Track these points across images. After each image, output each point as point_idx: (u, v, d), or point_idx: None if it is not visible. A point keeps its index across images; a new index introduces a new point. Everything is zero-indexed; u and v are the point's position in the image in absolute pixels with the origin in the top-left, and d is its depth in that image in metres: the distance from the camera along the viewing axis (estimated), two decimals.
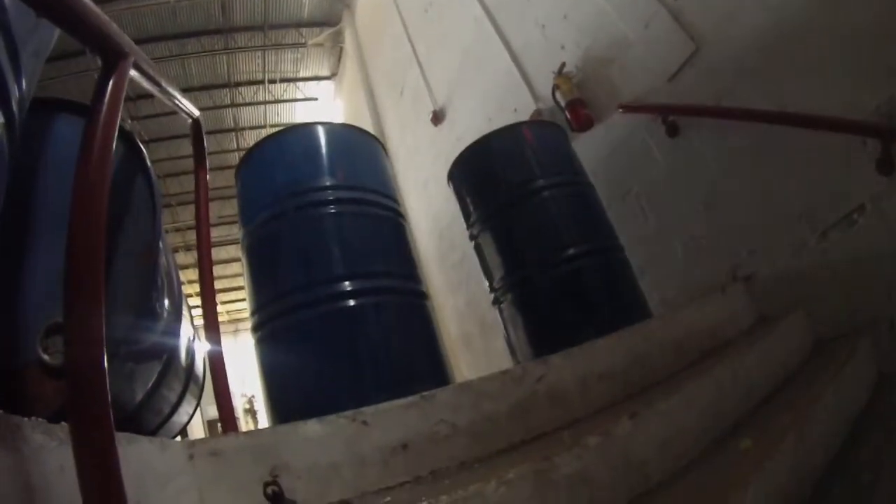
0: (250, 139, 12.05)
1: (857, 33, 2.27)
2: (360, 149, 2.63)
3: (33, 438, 0.87)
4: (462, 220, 3.36)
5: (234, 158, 11.88)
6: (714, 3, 2.83)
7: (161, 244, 1.84)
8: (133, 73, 1.45)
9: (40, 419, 0.91)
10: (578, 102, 3.69)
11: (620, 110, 3.41)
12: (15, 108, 1.20)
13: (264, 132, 11.78)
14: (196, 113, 2.37)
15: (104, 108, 1.19)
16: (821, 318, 2.47)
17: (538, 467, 1.22)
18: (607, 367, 1.92)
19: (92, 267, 1.00)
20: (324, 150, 2.48)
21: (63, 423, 0.91)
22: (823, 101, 2.36)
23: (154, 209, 1.80)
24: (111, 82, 1.27)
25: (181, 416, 2.52)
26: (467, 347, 4.79)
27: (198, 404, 2.74)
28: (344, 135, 2.66)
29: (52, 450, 0.88)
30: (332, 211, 2.32)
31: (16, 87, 1.20)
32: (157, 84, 2.01)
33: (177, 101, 2.22)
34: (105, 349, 0.92)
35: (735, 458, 1.43)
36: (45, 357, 1.27)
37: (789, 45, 2.51)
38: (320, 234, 2.30)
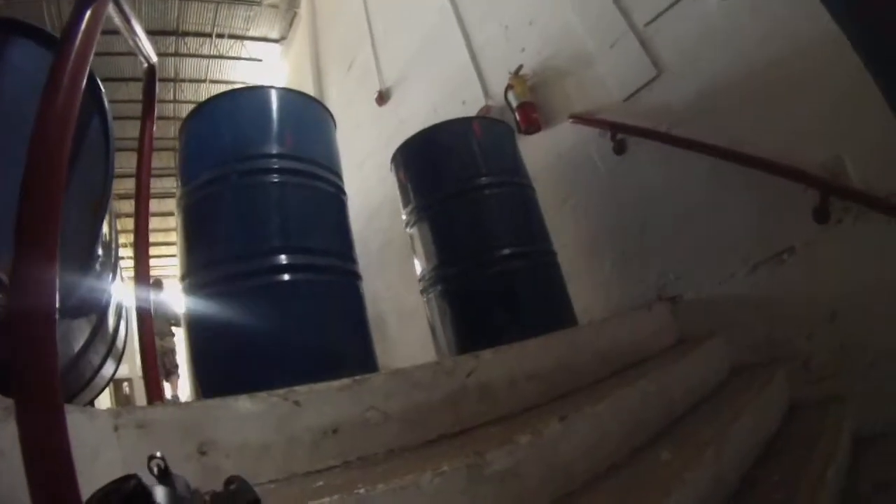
0: (189, 92, 11.57)
1: (816, 90, 2.41)
2: (312, 120, 2.56)
3: None
4: (392, 204, 3.33)
5: (170, 109, 11.38)
6: (684, 38, 2.92)
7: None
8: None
9: None
10: (529, 105, 3.73)
11: (570, 120, 3.47)
12: None
13: (203, 86, 11.33)
14: (154, 58, 2.26)
15: (77, 39, 1.08)
16: (740, 345, 2.62)
17: (472, 461, 1.23)
18: (536, 368, 1.96)
19: (48, 218, 0.90)
20: (276, 116, 2.40)
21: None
22: (772, 145, 2.49)
23: (108, 155, 1.69)
24: (89, 11, 1.14)
25: (101, 379, 2.39)
26: (381, 333, 4.75)
27: (117, 366, 2.59)
28: (298, 103, 2.57)
29: None
30: (277, 180, 2.25)
31: None
32: (128, 21, 1.91)
33: (139, 42, 2.10)
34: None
35: (656, 467, 1.49)
36: None
37: (748, 89, 2.63)
38: (262, 204, 2.22)
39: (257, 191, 2.23)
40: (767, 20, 2.57)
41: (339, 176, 2.53)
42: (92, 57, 1.09)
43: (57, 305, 0.83)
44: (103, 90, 1.76)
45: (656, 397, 1.89)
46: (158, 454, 0.55)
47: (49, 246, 0.87)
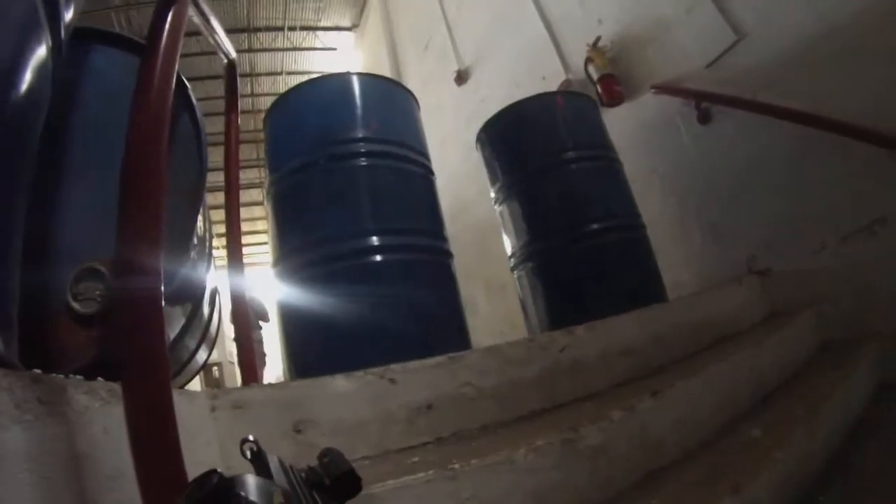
0: (265, 85, 11.90)
1: None
2: (395, 102, 2.59)
3: (77, 400, 0.81)
4: (476, 182, 3.34)
5: (248, 103, 11.76)
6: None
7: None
8: None
9: (79, 377, 0.86)
10: (611, 78, 3.68)
11: (653, 91, 3.40)
12: (63, 33, 1.11)
13: (280, 79, 11.62)
14: (233, 54, 2.34)
15: (164, 39, 1.11)
16: (831, 319, 2.52)
17: (566, 437, 1.26)
18: (628, 343, 1.97)
19: (153, 209, 0.94)
20: (360, 100, 2.42)
21: (101, 380, 0.87)
22: (860, 108, 2.37)
23: (200, 147, 1.74)
24: (171, 12, 1.16)
25: (195, 364, 2.50)
26: (469, 310, 4.85)
27: (210, 352, 2.71)
28: (382, 87, 2.61)
29: (95, 411, 0.83)
30: (366, 163, 2.29)
31: (65, 10, 1.11)
32: (207, 20, 1.99)
33: (219, 40, 2.18)
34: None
35: (746, 444, 1.48)
36: (76, 305, 1.16)
37: (832, 49, 2.50)
38: (353, 186, 2.26)
39: (347, 174, 2.27)
40: None
41: (427, 156, 2.55)
42: (178, 54, 1.13)
43: (162, 291, 0.88)
44: (189, 87, 1.84)
45: (748, 373, 1.87)
46: (251, 437, 0.59)
47: (154, 235, 0.92)
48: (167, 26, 1.13)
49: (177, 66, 1.12)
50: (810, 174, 2.63)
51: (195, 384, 4.86)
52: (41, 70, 1.02)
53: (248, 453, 0.59)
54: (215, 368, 11.65)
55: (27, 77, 0.97)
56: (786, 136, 2.69)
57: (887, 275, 2.35)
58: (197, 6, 1.82)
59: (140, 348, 0.82)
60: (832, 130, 2.43)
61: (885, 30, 2.31)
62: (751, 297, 2.73)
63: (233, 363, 10.08)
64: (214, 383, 11.11)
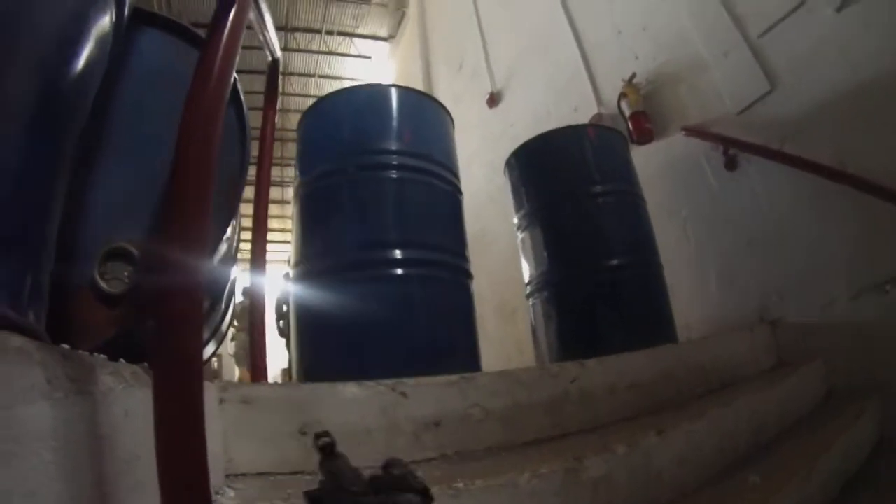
0: (297, 86, 12.02)
1: None
2: (431, 117, 2.61)
3: (103, 381, 0.79)
4: (498, 205, 3.38)
5: (278, 102, 11.85)
6: (797, 49, 2.85)
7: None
8: None
9: (103, 356, 0.85)
10: (643, 115, 3.73)
11: (683, 133, 3.43)
12: (126, 9, 1.12)
13: (313, 81, 11.73)
14: (278, 53, 2.38)
15: (226, 34, 1.08)
16: (838, 372, 2.55)
17: (569, 466, 1.28)
18: (637, 380, 1.99)
19: (202, 204, 0.91)
20: (395, 112, 2.45)
21: (123, 361, 0.88)
22: (881, 164, 2.40)
23: (244, 141, 1.75)
24: (235, 7, 1.11)
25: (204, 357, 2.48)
26: (481, 332, 4.87)
27: (219, 347, 2.69)
28: (417, 101, 2.65)
29: (119, 393, 0.82)
30: (395, 175, 2.31)
31: None
32: (262, 16, 2.02)
33: (269, 38, 2.20)
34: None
35: (744, 489, 1.50)
36: (102, 283, 1.13)
37: (861, 104, 2.54)
38: (380, 197, 2.29)
39: (375, 184, 2.30)
40: (879, 34, 2.49)
41: (456, 174, 2.58)
42: (238, 51, 1.11)
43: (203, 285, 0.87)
44: (237, 80, 1.85)
45: (751, 420, 1.89)
46: (326, 432, 0.59)
47: (202, 229, 0.89)
48: (230, 20, 1.10)
49: (236, 59, 1.10)
50: (828, 228, 2.66)
51: None
52: (102, 41, 1.04)
53: (321, 447, 0.60)
54: (214, 360, 11.69)
55: (90, 45, 0.99)
56: (808, 189, 2.72)
57: (891, 332, 2.38)
58: (256, 2, 1.86)
59: (180, 341, 0.80)
60: (855, 187, 2.46)
61: None
62: (760, 345, 2.75)
63: (231, 356, 10.13)
64: (212, 375, 11.15)
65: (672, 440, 1.55)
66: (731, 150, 3.13)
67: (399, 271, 2.19)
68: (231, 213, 1.75)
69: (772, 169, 2.91)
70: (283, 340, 6.55)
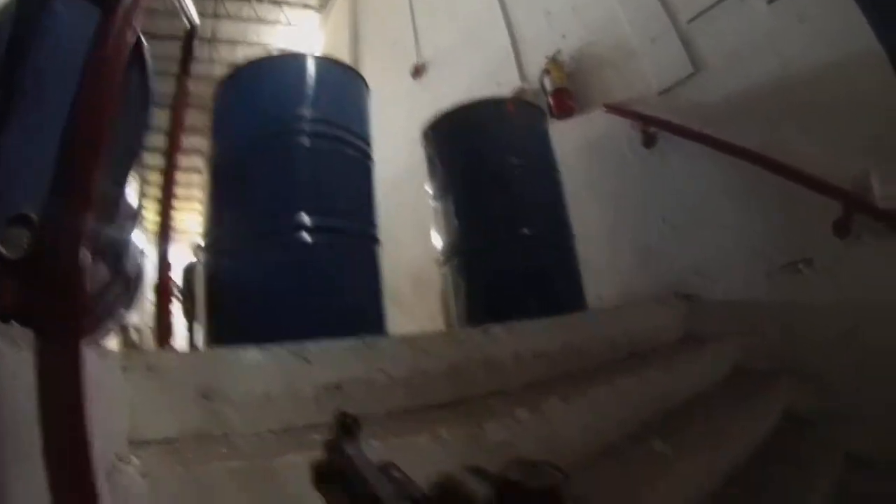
0: (224, 52, 11.59)
1: (853, 105, 2.37)
2: (346, 87, 2.58)
3: None
4: (417, 177, 3.35)
5: (203, 69, 11.45)
6: (726, 36, 2.89)
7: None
8: None
9: None
10: (565, 91, 3.72)
11: (604, 109, 3.45)
12: None
13: (240, 48, 11.34)
14: (196, 21, 2.35)
15: None
16: (750, 349, 2.62)
17: (471, 431, 1.27)
18: (543, 347, 1.97)
19: (89, 165, 0.90)
20: (310, 81, 2.42)
21: (14, 324, 0.85)
22: (802, 152, 2.46)
23: (147, 105, 1.69)
24: None
25: (112, 323, 2.42)
26: (395, 302, 4.82)
27: (130, 312, 2.63)
28: (333, 70, 2.61)
29: (7, 355, 0.81)
30: (305, 143, 2.28)
31: None
32: None
33: (185, 3, 2.16)
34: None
35: (650, 456, 1.50)
36: (1, 248, 1.15)
37: (785, 95, 2.60)
38: (289, 165, 2.26)
39: (286, 152, 2.27)
40: (812, 30, 2.54)
41: (368, 143, 2.54)
42: (141, 14, 1.08)
43: (88, 245, 0.85)
44: (146, 45, 1.77)
45: (657, 389, 1.91)
46: (349, 413, 0.55)
47: (88, 189, 0.88)
48: None
49: (138, 28, 1.09)
50: (744, 209, 2.73)
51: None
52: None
53: (342, 423, 0.55)
54: (134, 332, 11.28)
55: None
56: (727, 171, 2.77)
57: (809, 312, 2.45)
58: None
59: (59, 300, 0.80)
60: (774, 171, 2.51)
61: (837, 88, 2.41)
62: (673, 319, 2.80)
63: (151, 328, 9.76)
64: (131, 346, 10.77)
65: (577, 407, 1.54)
66: (651, 128, 3.16)
67: (306, 237, 2.15)
68: (127, 173, 1.69)
69: (691, 149, 2.94)
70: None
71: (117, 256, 2.01)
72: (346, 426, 0.56)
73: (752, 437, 1.95)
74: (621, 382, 1.77)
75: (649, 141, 3.18)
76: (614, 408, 1.68)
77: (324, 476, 0.55)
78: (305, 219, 2.15)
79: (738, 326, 2.69)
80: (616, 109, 3.39)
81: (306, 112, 2.32)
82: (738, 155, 2.67)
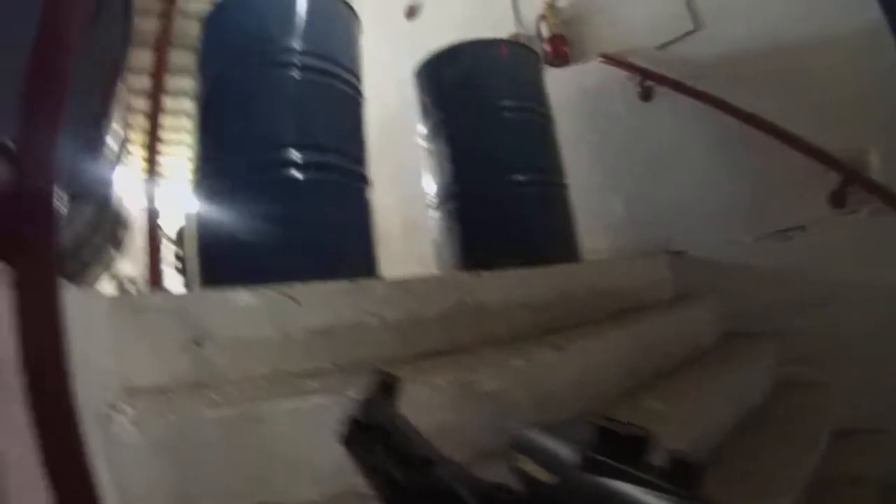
0: None
1: (851, 77, 2.36)
2: (336, 19, 2.48)
3: None
4: (409, 119, 3.28)
5: (193, 7, 11.03)
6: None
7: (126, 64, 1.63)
8: None
9: None
10: (560, 38, 3.64)
11: (601, 59, 3.37)
12: None
13: None
14: None
15: None
16: (736, 311, 2.64)
17: (464, 379, 1.25)
18: (534, 297, 1.96)
19: (58, 79, 0.84)
20: (298, 11, 2.31)
21: None
22: (803, 122, 2.44)
23: (127, 15, 1.60)
24: None
25: (100, 264, 2.37)
26: (386, 246, 4.78)
27: (116, 254, 2.57)
28: (321, 1, 2.46)
29: None
30: (293, 75, 2.19)
31: None
32: None
33: None
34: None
35: (639, 412, 1.50)
36: None
37: (791, 63, 2.56)
38: (276, 97, 2.16)
39: (273, 84, 2.18)
40: None
41: (359, 78, 2.46)
42: None
43: (60, 171, 0.82)
44: None
45: (650, 346, 1.90)
46: (389, 371, 0.52)
47: (56, 113, 0.82)
48: None
49: None
50: (740, 171, 2.71)
51: None
52: None
53: (383, 383, 0.54)
54: (130, 283, 11.18)
55: None
56: (722, 131, 2.74)
57: (796, 278, 2.48)
58: None
59: (31, 233, 0.77)
60: (774, 135, 2.49)
61: (836, 58, 2.40)
62: (662, 275, 2.80)
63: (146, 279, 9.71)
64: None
65: (568, 357, 1.53)
66: (647, 81, 3.10)
67: (295, 174, 2.08)
68: (110, 96, 1.58)
69: (687, 105, 2.89)
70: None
71: (104, 199, 1.95)
72: (386, 385, 0.54)
73: (747, 396, 1.98)
74: (611, 336, 1.77)
75: (646, 94, 3.12)
76: (607, 361, 1.67)
77: (358, 435, 0.53)
78: (294, 154, 2.08)
79: (725, 287, 2.69)
80: (614, 60, 3.30)
81: (290, 41, 2.23)
82: (735, 114, 2.63)
